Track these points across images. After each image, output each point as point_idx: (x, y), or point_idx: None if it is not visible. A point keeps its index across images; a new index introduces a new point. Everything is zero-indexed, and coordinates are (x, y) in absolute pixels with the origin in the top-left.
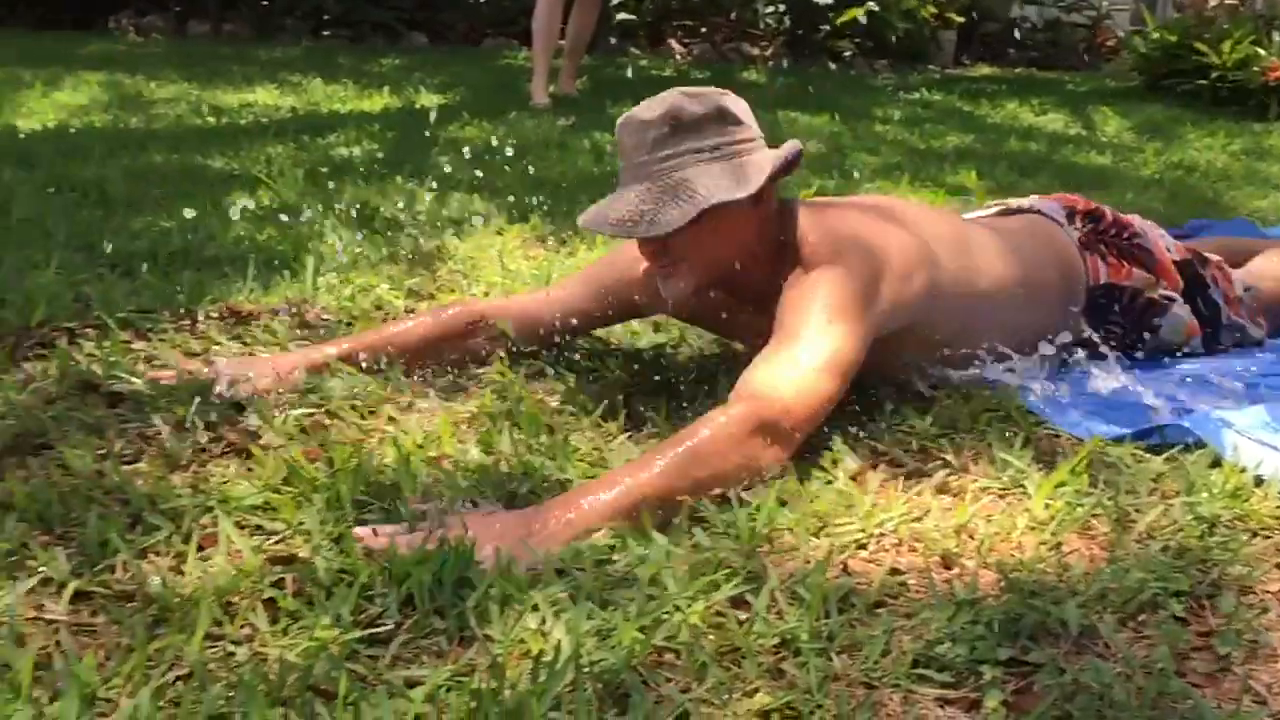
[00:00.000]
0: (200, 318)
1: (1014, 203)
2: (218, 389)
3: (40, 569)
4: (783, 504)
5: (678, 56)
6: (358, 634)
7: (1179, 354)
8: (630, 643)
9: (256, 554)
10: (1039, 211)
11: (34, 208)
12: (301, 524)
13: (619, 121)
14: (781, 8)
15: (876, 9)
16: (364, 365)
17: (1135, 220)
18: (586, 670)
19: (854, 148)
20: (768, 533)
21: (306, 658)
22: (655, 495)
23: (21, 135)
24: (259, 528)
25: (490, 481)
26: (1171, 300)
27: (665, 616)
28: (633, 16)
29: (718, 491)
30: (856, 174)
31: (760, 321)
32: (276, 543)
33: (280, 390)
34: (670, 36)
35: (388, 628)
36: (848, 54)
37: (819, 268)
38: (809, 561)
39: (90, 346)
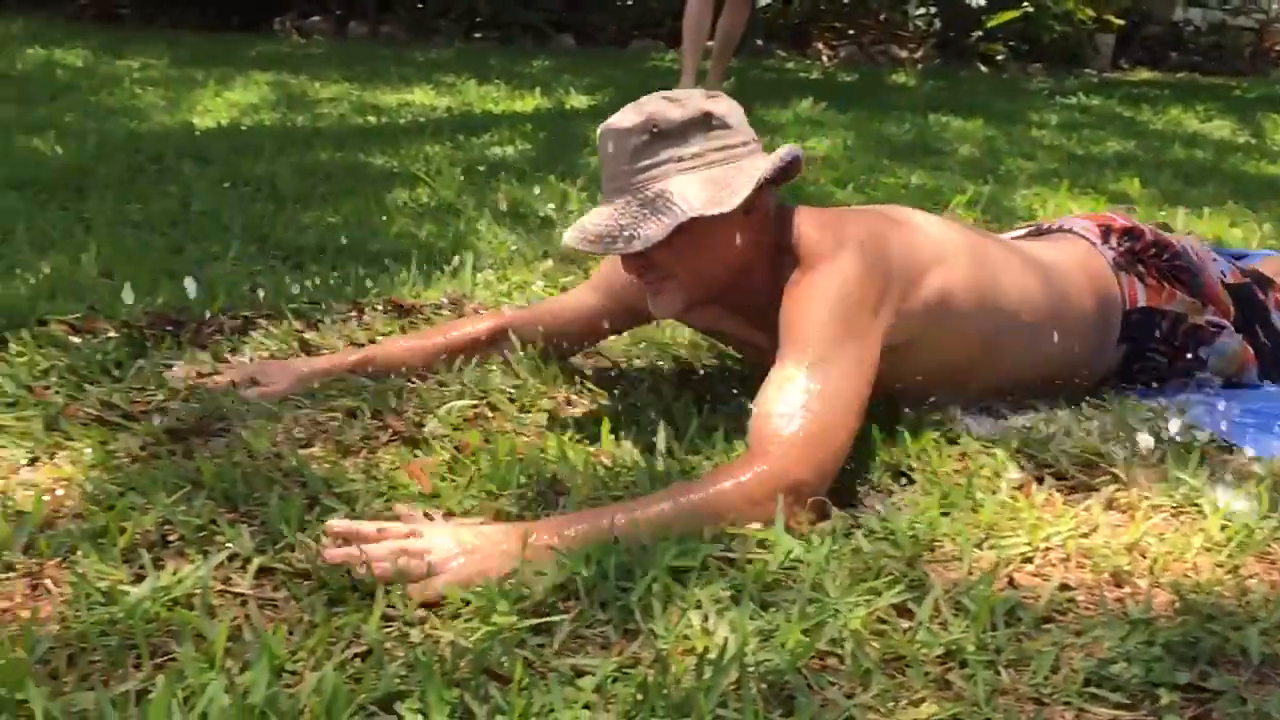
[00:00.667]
0: (366, 310)
1: (1044, 223)
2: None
3: (228, 544)
4: (944, 513)
5: (824, 59)
6: (531, 622)
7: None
8: (794, 645)
9: None
10: (1071, 230)
11: (211, 201)
12: (466, 513)
13: (600, 129)
14: (932, 10)
15: (1032, 11)
16: (371, 373)
17: (1180, 240)
18: (751, 669)
19: (1009, 153)
20: (929, 541)
21: (480, 642)
22: (649, 535)
23: (197, 132)
24: (425, 514)
25: (649, 477)
26: (1220, 327)
27: (827, 620)
28: (779, 18)
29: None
30: (1013, 179)
31: (763, 336)
32: None
33: (296, 394)
34: (817, 39)
35: (557, 618)
36: (1000, 57)
37: (819, 266)
38: (973, 573)
39: (259, 335)
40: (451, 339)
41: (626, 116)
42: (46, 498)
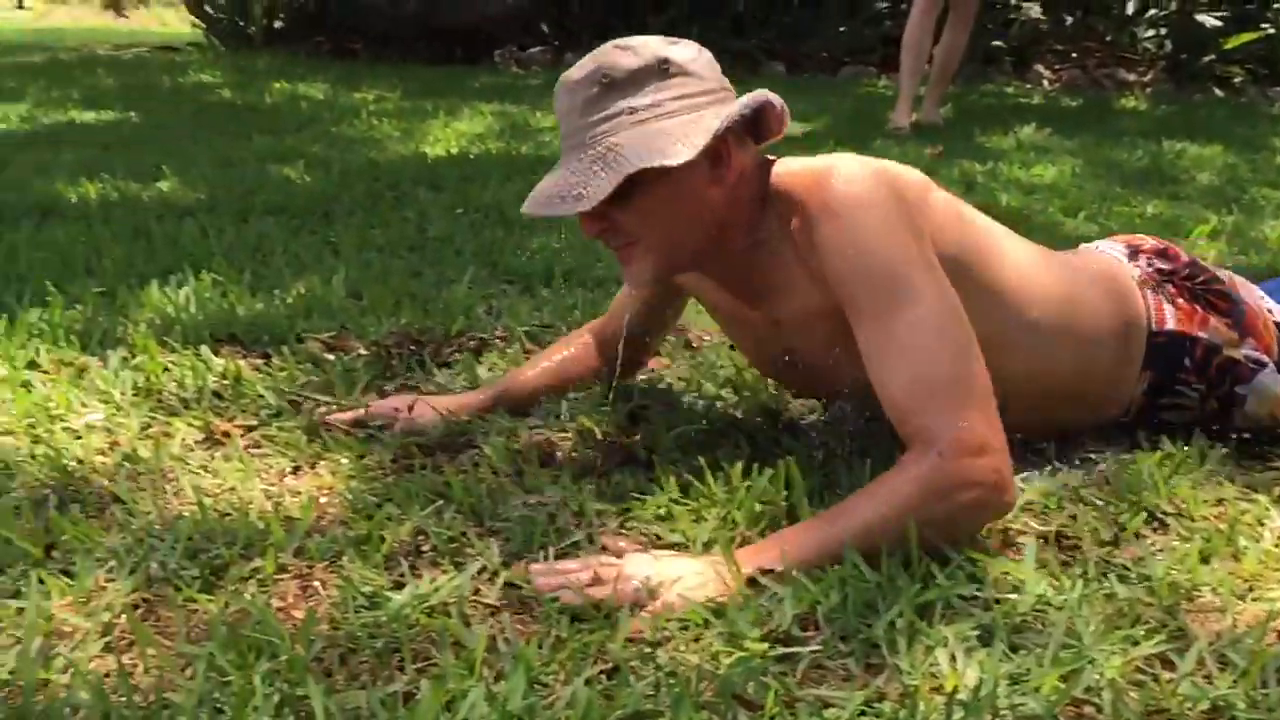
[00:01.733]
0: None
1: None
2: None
3: (477, 557)
4: (1204, 560)
5: (1046, 83)
6: (781, 650)
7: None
8: (1049, 690)
9: None
10: (1095, 249)
11: (445, 227)
12: (696, 538)
13: (556, 86)
14: (1162, 31)
15: (1273, 32)
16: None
17: (1221, 270)
18: (1004, 713)
19: (1254, 181)
20: (1189, 589)
21: (730, 667)
22: (849, 545)
23: (430, 160)
24: (657, 537)
25: None
26: (1260, 365)
27: (1083, 667)
28: (999, 42)
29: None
30: (1259, 209)
31: (748, 308)
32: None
33: (437, 427)
34: (1038, 62)
35: (805, 648)
36: (1238, 80)
37: (838, 209)
38: (1238, 625)
39: (493, 357)
40: (564, 362)
41: (579, 68)
42: (313, 504)
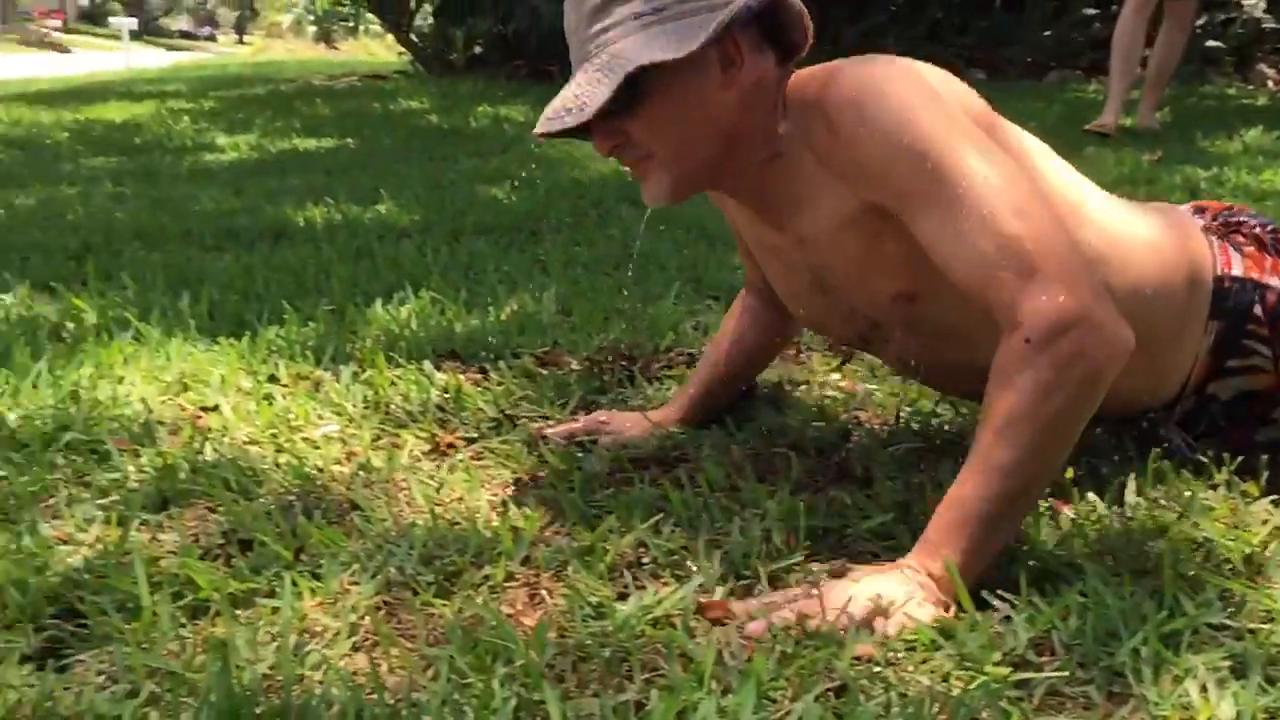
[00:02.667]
0: (801, 350)
1: None
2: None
3: (697, 572)
4: None
5: (1270, 83)
6: (1021, 675)
7: None
8: None
9: None
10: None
11: (648, 243)
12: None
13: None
14: None
15: None
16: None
17: None
18: None
19: None
20: None
21: (969, 691)
22: (1011, 493)
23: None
24: (875, 556)
25: (1113, 539)
26: None
27: None
28: (1218, 42)
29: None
30: None
31: (779, 233)
32: None
33: (649, 440)
34: (1261, 61)
35: (1041, 674)
36: None
37: (869, 95)
38: None
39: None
40: (735, 354)
41: None
42: (537, 515)
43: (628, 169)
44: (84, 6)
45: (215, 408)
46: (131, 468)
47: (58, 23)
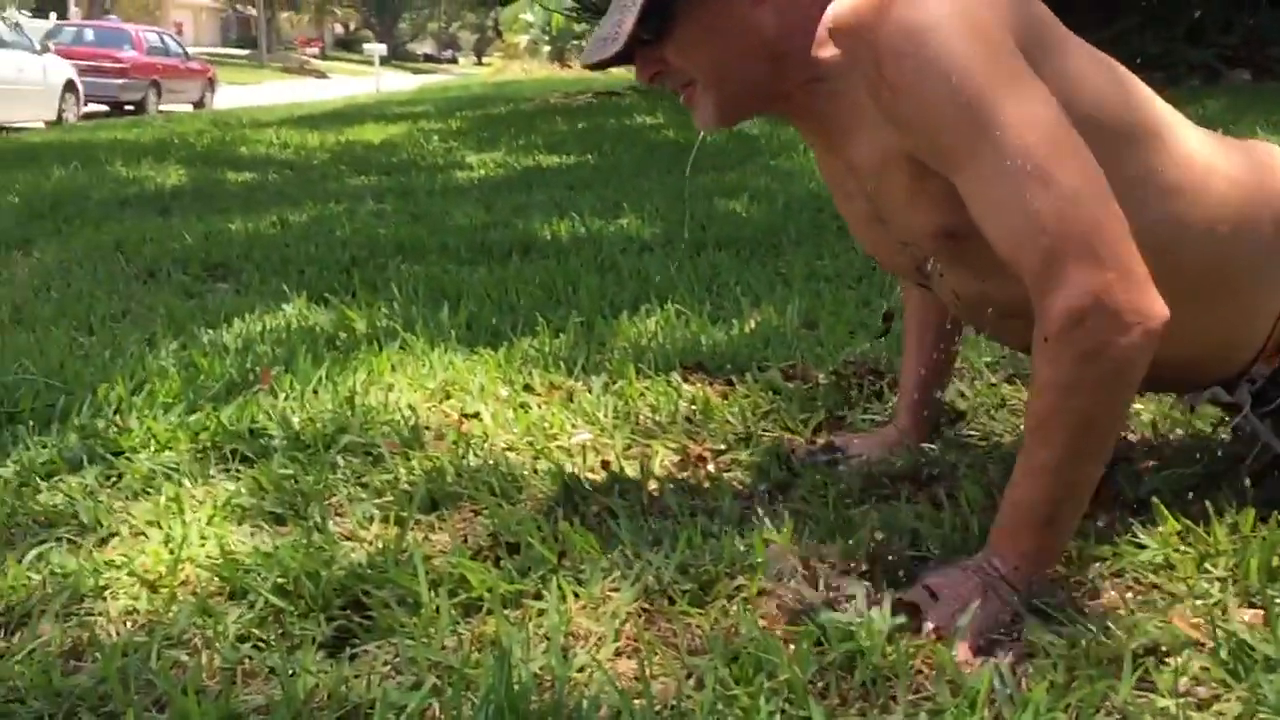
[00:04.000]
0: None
1: None
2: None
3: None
4: None
5: None
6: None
7: None
8: None
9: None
10: None
11: None
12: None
13: None
14: None
15: None
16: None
17: None
18: None
19: None
20: None
21: None
22: (1056, 491)
23: None
24: (1155, 587)
25: None
26: None
27: None
28: None
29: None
30: None
31: (842, 170)
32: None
33: (899, 457)
34: None
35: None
36: None
37: (893, 49)
38: None
39: (955, 390)
40: (927, 346)
41: None
42: (791, 530)
43: (675, 94)
44: (339, 35)
45: (476, 415)
46: (403, 470)
47: (316, 50)
